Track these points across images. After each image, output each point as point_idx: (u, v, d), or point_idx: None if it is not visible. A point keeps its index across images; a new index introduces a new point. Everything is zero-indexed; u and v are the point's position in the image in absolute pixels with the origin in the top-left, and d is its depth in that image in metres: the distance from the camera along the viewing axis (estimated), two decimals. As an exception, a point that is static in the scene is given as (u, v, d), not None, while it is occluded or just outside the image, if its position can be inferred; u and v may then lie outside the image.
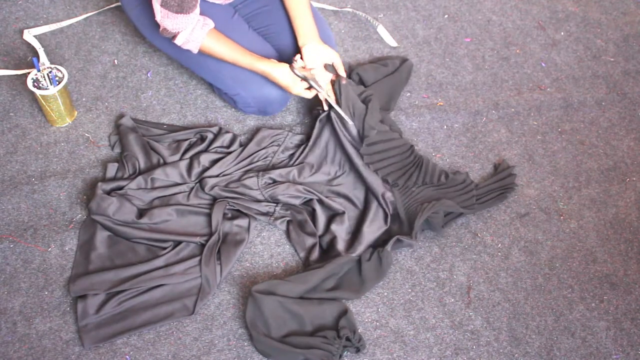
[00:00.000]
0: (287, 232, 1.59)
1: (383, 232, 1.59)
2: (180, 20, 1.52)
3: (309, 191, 1.62)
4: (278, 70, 1.63)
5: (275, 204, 1.60)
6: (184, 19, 1.52)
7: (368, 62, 1.96)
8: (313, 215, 1.61)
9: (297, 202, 1.61)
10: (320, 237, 1.58)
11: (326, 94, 1.65)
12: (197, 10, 1.54)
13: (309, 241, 1.57)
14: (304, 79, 1.63)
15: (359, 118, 1.64)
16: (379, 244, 1.57)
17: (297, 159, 1.69)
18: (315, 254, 1.54)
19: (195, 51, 1.62)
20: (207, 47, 1.61)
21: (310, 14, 1.72)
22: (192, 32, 1.57)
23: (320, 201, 1.62)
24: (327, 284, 1.47)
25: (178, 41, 1.58)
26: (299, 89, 1.65)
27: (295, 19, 1.72)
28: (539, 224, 1.65)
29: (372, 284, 1.49)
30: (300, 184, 1.64)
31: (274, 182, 1.63)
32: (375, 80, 1.83)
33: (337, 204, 1.62)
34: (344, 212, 1.60)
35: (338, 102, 1.66)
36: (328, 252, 1.55)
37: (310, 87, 1.66)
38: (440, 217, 1.57)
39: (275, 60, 1.65)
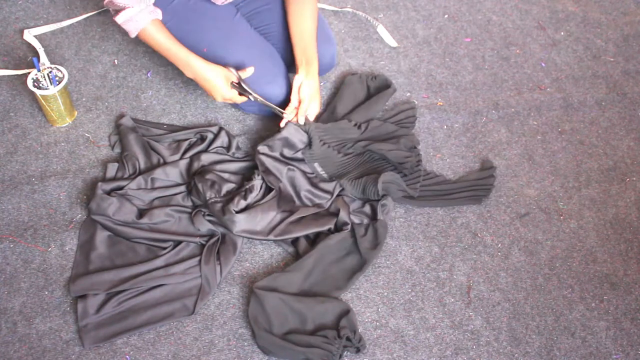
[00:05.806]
0: None
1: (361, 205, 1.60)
2: None
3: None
4: (212, 70, 1.59)
5: None
6: None
7: (367, 69, 1.95)
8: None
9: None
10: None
11: (257, 96, 1.64)
12: None
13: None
14: (239, 82, 1.62)
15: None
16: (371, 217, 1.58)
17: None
18: (303, 246, 1.53)
19: (133, 35, 1.57)
20: (146, 34, 1.56)
21: (315, 41, 1.68)
22: (139, 13, 1.52)
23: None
24: (327, 264, 1.49)
25: (120, 18, 1.53)
26: (231, 93, 1.62)
27: (300, 41, 1.67)
28: (539, 224, 1.65)
29: (371, 256, 1.50)
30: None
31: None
32: (355, 104, 1.81)
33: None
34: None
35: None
36: (318, 238, 1.54)
37: (241, 93, 1.65)
38: (395, 187, 1.58)
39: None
